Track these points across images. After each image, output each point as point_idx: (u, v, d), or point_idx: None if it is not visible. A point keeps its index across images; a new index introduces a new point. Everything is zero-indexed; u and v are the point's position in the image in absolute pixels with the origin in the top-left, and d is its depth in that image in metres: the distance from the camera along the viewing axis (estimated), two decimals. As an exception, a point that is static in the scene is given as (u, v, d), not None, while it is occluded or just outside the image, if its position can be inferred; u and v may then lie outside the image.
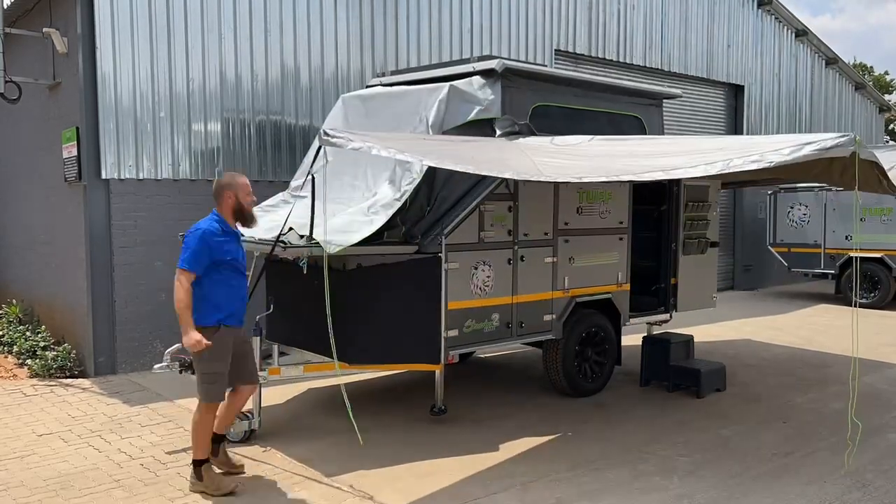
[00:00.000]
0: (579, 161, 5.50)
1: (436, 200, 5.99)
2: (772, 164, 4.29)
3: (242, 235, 6.19)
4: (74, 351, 7.98)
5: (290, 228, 5.42)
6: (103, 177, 7.71)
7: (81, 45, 7.55)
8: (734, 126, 15.44)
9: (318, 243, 5.14)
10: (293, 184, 7.06)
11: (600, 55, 12.54)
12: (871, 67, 37.67)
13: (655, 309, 7.85)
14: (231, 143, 8.52)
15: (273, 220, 6.17)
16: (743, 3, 15.20)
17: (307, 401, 6.95)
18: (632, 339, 8.27)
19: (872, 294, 13.24)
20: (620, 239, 7.32)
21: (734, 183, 9.38)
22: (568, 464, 5.40)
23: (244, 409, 5.94)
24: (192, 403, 6.62)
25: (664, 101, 8.13)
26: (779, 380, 7.98)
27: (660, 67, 13.60)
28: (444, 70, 6.87)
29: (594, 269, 7.10)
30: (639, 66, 13.22)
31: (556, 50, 11.79)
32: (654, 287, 7.91)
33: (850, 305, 12.94)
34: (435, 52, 10.15)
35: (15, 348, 8.43)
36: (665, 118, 8.34)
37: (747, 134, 15.22)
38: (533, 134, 6.47)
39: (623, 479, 5.16)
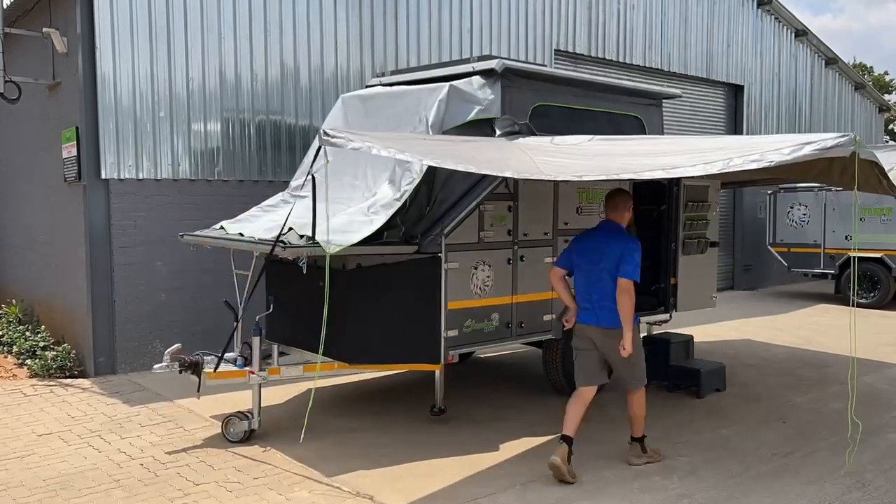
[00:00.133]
0: (579, 160, 5.49)
1: (435, 200, 5.98)
2: (772, 164, 4.28)
3: (241, 236, 6.20)
4: (74, 351, 7.98)
5: (290, 228, 5.42)
6: (103, 177, 7.71)
7: (81, 45, 7.55)
8: (734, 126, 15.44)
9: (318, 243, 5.14)
10: (293, 184, 7.06)
11: (600, 55, 12.54)
12: (871, 67, 37.70)
13: (655, 309, 7.84)
14: (231, 143, 8.52)
15: (273, 220, 6.17)
16: (743, 2, 15.20)
17: (307, 401, 6.92)
18: (632, 339, 8.26)
19: (872, 294, 13.24)
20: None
21: (734, 183, 9.37)
22: (568, 464, 5.40)
23: (244, 409, 5.95)
24: (192, 403, 6.66)
25: (664, 101, 8.12)
26: (779, 380, 7.98)
27: (660, 67, 13.60)
28: (443, 70, 6.86)
29: (594, 269, 7.09)
30: (639, 66, 13.22)
31: (556, 50, 11.79)
32: (653, 287, 7.91)
33: (850, 305, 12.94)
34: (435, 52, 10.15)
35: (15, 348, 8.43)
36: (665, 118, 8.34)
37: (747, 134, 15.22)
38: (533, 134, 6.47)
39: (623, 479, 5.16)
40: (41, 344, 8.31)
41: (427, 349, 5.90)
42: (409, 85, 6.79)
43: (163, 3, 7.96)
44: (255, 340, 5.80)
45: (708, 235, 8.18)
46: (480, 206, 6.10)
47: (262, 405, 5.95)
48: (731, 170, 4.36)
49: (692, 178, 7.08)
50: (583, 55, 12.31)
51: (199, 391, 5.74)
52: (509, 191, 6.34)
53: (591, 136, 6.09)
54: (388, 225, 5.68)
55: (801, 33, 16.58)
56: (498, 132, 6.34)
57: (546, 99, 6.78)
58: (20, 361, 8.22)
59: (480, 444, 5.81)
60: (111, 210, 7.78)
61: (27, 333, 8.73)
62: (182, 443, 5.76)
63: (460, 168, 4.81)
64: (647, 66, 13.35)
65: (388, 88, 6.96)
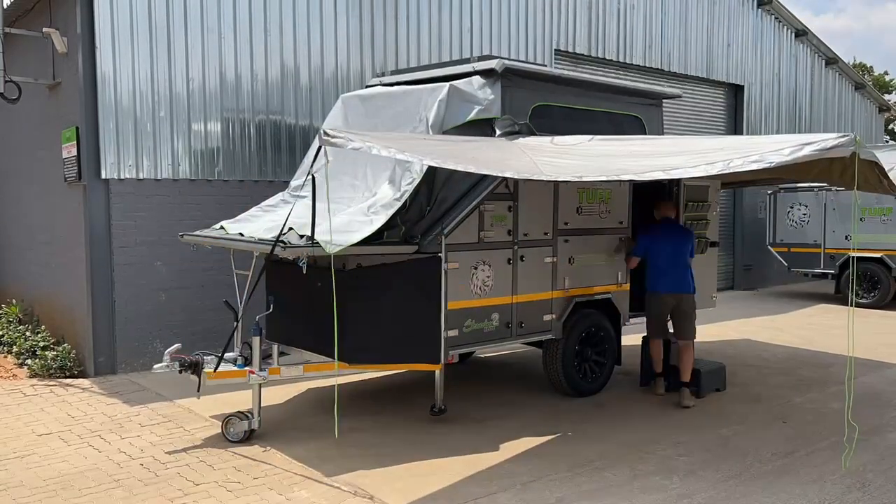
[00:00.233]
0: (579, 160, 5.50)
1: (436, 200, 5.98)
2: (772, 165, 4.29)
3: (242, 236, 6.20)
4: (74, 351, 7.98)
5: (290, 228, 5.42)
6: (103, 177, 7.71)
7: (81, 45, 7.55)
8: (734, 126, 15.44)
9: (318, 243, 5.15)
10: (293, 184, 7.06)
11: (600, 55, 12.54)
12: (871, 67, 37.67)
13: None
14: (231, 143, 8.52)
15: (273, 220, 6.17)
16: (743, 2, 15.20)
17: (307, 401, 6.95)
18: (632, 339, 8.26)
19: (872, 294, 13.24)
20: (620, 239, 7.34)
21: (734, 183, 9.37)
22: (568, 464, 5.40)
23: (244, 408, 5.95)
24: (192, 403, 6.66)
25: (664, 101, 8.13)
26: (779, 380, 7.98)
27: (660, 67, 13.60)
28: (444, 70, 6.87)
29: (594, 268, 7.11)
30: (639, 66, 13.22)
31: (556, 50, 11.79)
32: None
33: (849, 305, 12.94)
34: (435, 52, 10.15)
35: (15, 348, 8.43)
36: (665, 118, 8.34)
37: (747, 134, 15.22)
38: (533, 134, 6.47)
39: (623, 479, 5.16)
40: (41, 344, 8.31)
41: (427, 349, 5.90)
42: (409, 85, 6.79)
43: (163, 3, 7.96)
44: (255, 340, 5.80)
45: (708, 235, 8.19)
46: (480, 206, 6.11)
47: (262, 405, 5.95)
48: (731, 170, 4.36)
49: (692, 178, 7.10)
50: (583, 55, 12.31)
51: (199, 391, 5.74)
52: (509, 191, 6.34)
53: (591, 137, 6.10)
54: (388, 225, 5.68)
55: (802, 33, 16.58)
56: (498, 132, 6.34)
57: (546, 99, 6.78)
58: (20, 361, 8.22)
59: (480, 443, 5.81)
60: (111, 210, 7.78)
61: (27, 333, 8.73)
62: (182, 443, 5.76)
63: (460, 168, 4.81)
64: (647, 66, 13.35)
65: (388, 88, 6.96)
